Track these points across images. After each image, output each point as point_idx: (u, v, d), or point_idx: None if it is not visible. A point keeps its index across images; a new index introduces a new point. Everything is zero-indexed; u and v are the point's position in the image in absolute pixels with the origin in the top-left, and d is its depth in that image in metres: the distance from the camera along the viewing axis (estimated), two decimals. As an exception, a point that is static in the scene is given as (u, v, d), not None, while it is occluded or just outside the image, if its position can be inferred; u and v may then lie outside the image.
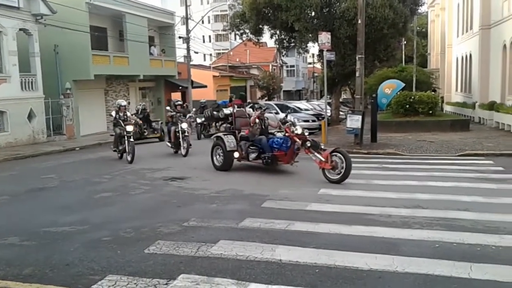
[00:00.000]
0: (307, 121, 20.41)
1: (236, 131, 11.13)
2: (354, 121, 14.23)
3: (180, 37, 30.02)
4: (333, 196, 7.94)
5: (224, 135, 10.95)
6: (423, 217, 6.48)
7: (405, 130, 18.33)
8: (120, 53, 25.50)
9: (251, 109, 13.12)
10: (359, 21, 14.94)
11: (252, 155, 10.63)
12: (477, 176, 9.56)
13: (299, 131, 9.67)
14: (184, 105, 19.28)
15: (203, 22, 56.98)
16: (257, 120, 10.82)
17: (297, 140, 9.66)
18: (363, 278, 4.42)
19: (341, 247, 5.26)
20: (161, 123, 21.19)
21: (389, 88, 14.88)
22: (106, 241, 5.67)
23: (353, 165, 11.48)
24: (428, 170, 10.27)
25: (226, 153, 10.71)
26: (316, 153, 9.34)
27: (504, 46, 21.43)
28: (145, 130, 19.39)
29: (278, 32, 25.56)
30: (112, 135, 14.00)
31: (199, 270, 4.65)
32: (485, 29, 24.28)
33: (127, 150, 12.71)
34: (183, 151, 13.99)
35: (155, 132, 20.17)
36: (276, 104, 23.01)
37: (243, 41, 35.20)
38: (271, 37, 26.21)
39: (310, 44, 27.04)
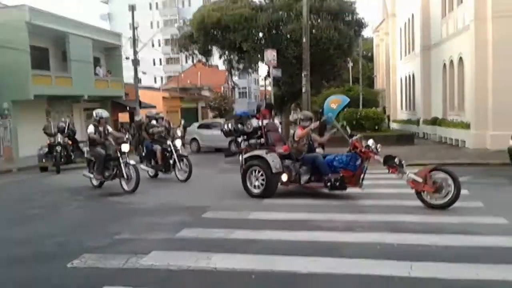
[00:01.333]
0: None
1: (276, 149, 8.80)
2: (301, 136, 14.18)
3: (127, 58, 29.45)
4: (277, 205, 7.70)
5: (266, 153, 8.59)
6: (366, 221, 6.35)
7: (353, 146, 18.48)
8: (62, 73, 24.60)
9: (276, 121, 10.60)
10: (304, 39, 15.11)
11: (304, 177, 8.49)
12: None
13: (373, 145, 7.88)
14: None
15: (153, 45, 56.66)
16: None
17: (375, 157, 7.80)
18: (301, 282, 4.19)
19: (281, 252, 5.01)
20: None
21: (334, 103, 14.72)
22: (26, 257, 5.14)
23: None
24: (374, 179, 10.23)
25: (271, 176, 8.34)
26: (408, 173, 7.37)
27: (444, 65, 22.36)
28: (71, 153, 15.61)
29: (226, 52, 25.60)
30: (91, 158, 10.32)
31: (125, 282, 4.26)
32: (425, 50, 25.32)
33: (125, 176, 9.60)
34: (180, 175, 11.18)
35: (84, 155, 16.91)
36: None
37: (194, 64, 35.07)
38: (220, 57, 26.21)
39: (259, 64, 27.27)
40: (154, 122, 12.28)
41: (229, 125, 9.47)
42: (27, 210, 8.11)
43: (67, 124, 16.03)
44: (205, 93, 51.31)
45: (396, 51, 35.97)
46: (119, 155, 9.70)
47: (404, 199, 7.75)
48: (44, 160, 15.61)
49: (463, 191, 8.45)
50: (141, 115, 20.83)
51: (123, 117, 33.46)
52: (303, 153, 8.64)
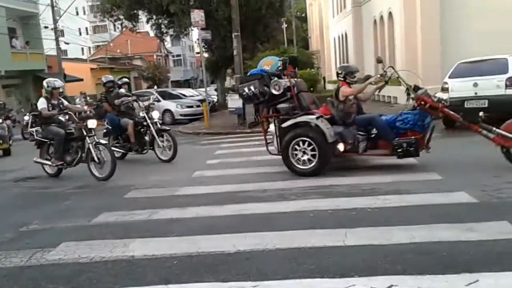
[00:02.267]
0: (191, 106, 19.62)
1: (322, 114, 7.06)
2: (235, 101, 13.75)
3: (45, 27, 27.28)
4: (207, 178, 7.25)
5: (317, 118, 6.83)
6: (300, 187, 6.05)
7: (289, 108, 18.28)
8: (-28, 47, 22.42)
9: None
10: (232, -3, 14.41)
11: (362, 145, 6.95)
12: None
13: (448, 98, 6.52)
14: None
15: (77, 13, 53.10)
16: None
17: (450, 113, 6.52)
18: (228, 262, 3.78)
19: (209, 231, 4.58)
20: (7, 124, 14.47)
21: (267, 65, 14.32)
22: None
23: (234, 144, 11.04)
24: (309, 142, 10.06)
25: (326, 146, 6.68)
26: (494, 128, 6.18)
27: (375, 21, 22.45)
28: None
29: (154, 16, 24.34)
30: (42, 140, 8.37)
31: (25, 283, 3.67)
32: (356, 7, 25.32)
33: (96, 160, 7.62)
34: (161, 155, 9.27)
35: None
36: (158, 92, 21.79)
37: (121, 31, 33.18)
38: (147, 22, 24.94)
39: (192, 29, 26.17)
40: (122, 90, 9.95)
41: (252, 87, 7.20)
42: None
43: None
44: (137, 62, 49.27)
45: (328, 10, 35.91)
46: (84, 133, 7.76)
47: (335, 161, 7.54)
48: None
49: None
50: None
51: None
52: (353, 115, 7.13)
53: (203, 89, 38.24)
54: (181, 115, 19.37)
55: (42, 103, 8.18)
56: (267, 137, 7.73)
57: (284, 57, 8.35)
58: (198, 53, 67.63)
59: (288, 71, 7.46)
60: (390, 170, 6.67)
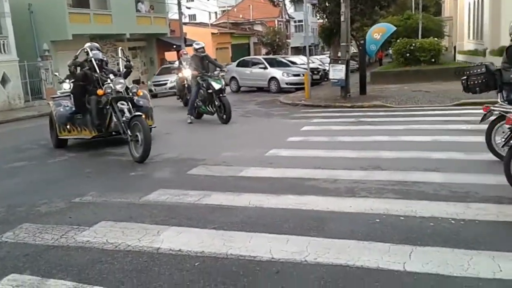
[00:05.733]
0: (298, 75, 18.72)
1: None
2: (337, 72, 12.66)
3: (168, -9, 28.19)
4: (279, 158, 6.58)
5: None
6: (376, 181, 5.12)
7: (403, 81, 16.65)
8: (101, 11, 23.94)
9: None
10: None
11: None
12: (464, 128, 8.06)
13: None
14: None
15: (204, -23, 54.28)
16: None
17: None
18: (254, 273, 3.18)
19: (250, 227, 4.00)
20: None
21: (378, 33, 12.99)
22: (-39, 225, 4.50)
23: (325, 120, 10.21)
24: (409, 123, 8.80)
25: None
26: None
27: (518, -18, 19.23)
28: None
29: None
30: None
31: (40, 267, 3.45)
32: (498, -34, 21.91)
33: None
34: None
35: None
36: (264, 58, 21.35)
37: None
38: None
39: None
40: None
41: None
42: (13, 162, 7.52)
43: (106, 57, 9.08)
44: (258, 27, 49.26)
45: (465, -29, 31.88)
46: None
47: (434, 150, 6.41)
48: (74, 127, 8.32)
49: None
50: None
51: (170, 56, 32.79)
52: None
53: (320, 57, 37.04)
54: (286, 83, 18.71)
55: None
56: None
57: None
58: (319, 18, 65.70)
59: None
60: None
